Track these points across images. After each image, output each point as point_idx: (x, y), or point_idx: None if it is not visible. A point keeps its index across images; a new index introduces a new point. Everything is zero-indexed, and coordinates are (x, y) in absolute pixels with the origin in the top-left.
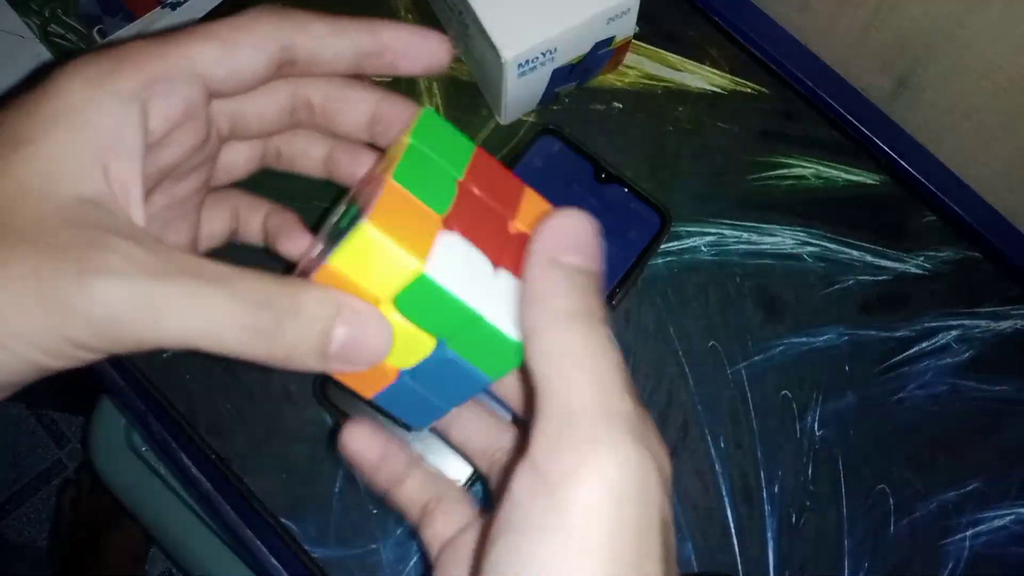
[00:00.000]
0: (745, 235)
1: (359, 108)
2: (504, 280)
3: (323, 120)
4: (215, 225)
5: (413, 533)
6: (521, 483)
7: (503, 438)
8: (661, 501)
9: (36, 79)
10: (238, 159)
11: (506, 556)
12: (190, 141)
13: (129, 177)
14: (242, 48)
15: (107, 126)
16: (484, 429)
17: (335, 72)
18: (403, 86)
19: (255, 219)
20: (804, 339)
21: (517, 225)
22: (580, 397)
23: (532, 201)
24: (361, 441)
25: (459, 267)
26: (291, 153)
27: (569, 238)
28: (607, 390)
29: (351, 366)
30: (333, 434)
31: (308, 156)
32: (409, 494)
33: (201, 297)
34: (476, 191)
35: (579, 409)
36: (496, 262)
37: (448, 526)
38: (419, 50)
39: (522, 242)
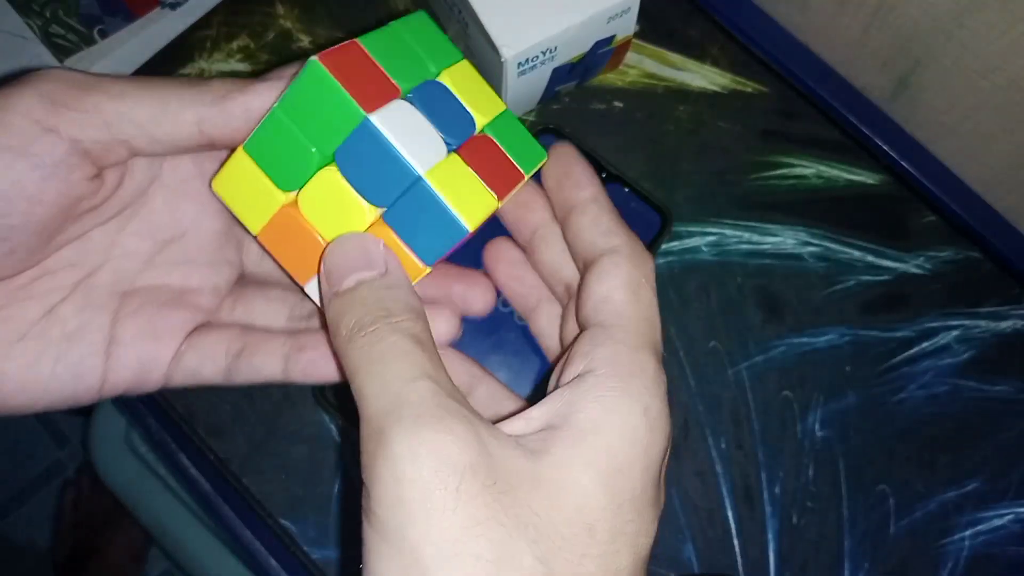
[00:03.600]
0: (746, 235)
1: None
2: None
3: None
4: (206, 353)
5: None
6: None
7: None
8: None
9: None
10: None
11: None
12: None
13: None
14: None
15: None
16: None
17: None
18: None
19: (270, 347)
20: (805, 339)
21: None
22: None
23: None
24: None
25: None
26: None
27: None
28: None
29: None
30: (333, 436)
31: None
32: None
33: (159, 84)
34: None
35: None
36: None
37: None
38: None
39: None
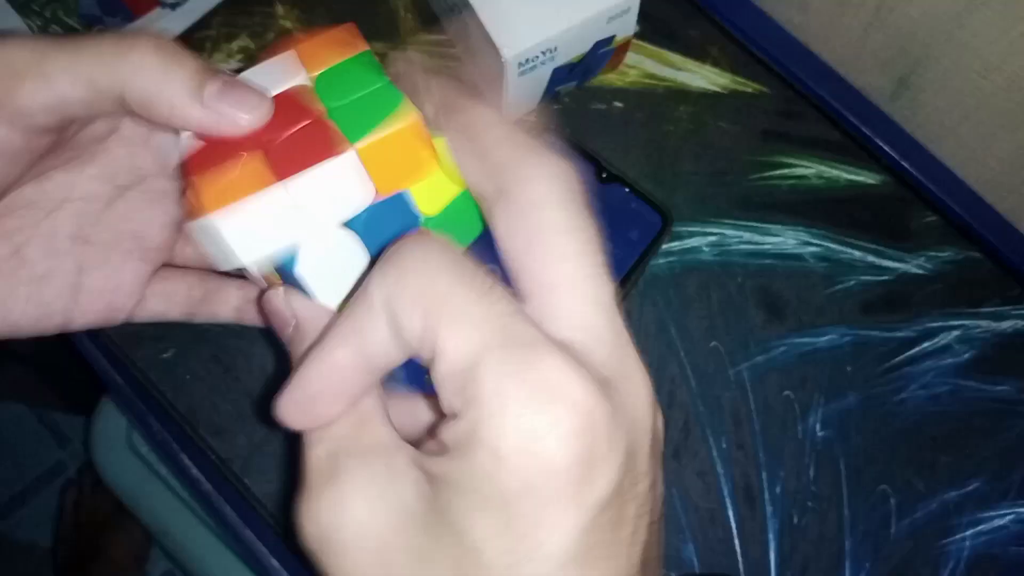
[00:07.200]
0: (747, 235)
1: None
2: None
3: None
4: (170, 286)
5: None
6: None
7: None
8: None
9: None
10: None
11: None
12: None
13: None
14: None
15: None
16: None
17: None
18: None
19: (227, 294)
20: (806, 339)
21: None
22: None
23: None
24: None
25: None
26: None
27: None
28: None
29: (220, 116)
30: None
31: None
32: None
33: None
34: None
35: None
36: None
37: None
38: None
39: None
